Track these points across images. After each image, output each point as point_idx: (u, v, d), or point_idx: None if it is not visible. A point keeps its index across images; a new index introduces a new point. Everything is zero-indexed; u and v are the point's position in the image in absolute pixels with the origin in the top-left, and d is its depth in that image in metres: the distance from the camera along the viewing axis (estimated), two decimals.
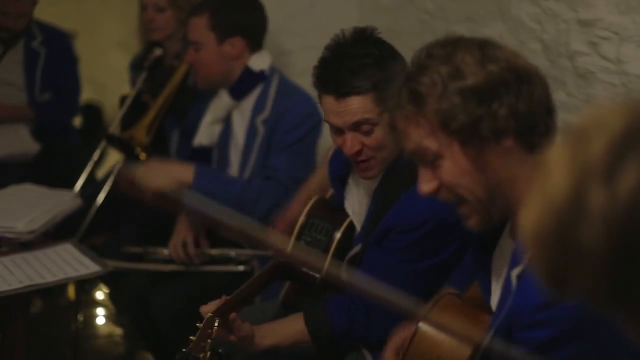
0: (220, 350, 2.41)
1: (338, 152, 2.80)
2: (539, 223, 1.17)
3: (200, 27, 3.65)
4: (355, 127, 2.54)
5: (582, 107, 3.10)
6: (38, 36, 4.78)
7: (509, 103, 1.86)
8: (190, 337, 2.41)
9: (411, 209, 2.49)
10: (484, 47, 1.92)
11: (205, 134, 3.84)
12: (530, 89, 1.89)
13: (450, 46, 1.93)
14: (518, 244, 1.91)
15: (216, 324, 2.44)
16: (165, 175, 3.47)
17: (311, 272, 2.78)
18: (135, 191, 3.31)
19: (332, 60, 2.55)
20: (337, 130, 2.59)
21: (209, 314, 2.46)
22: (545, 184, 1.17)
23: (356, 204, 2.83)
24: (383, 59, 2.53)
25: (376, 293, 2.05)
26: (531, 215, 1.18)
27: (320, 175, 3.31)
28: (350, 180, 2.86)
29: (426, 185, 1.96)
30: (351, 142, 2.55)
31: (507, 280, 1.92)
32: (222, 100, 3.80)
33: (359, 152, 2.57)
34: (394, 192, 2.58)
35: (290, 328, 2.70)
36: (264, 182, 3.61)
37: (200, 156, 3.84)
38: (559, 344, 1.81)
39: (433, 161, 1.93)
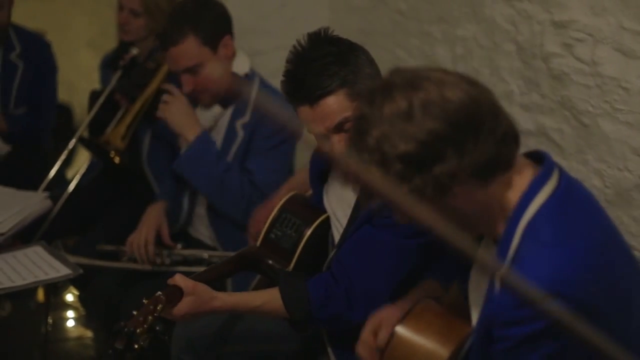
0: (157, 328, 2.40)
1: (317, 153, 2.82)
2: None
3: (191, 50, 3.53)
4: (338, 128, 2.54)
5: (556, 109, 3.10)
6: (17, 47, 4.65)
7: (452, 162, 1.80)
8: (134, 312, 2.43)
9: None
10: (410, 94, 1.82)
11: None
12: (475, 135, 1.81)
13: (379, 100, 1.85)
14: (500, 247, 1.92)
15: (162, 303, 2.45)
16: (180, 116, 3.61)
17: (277, 267, 2.79)
18: None
19: (295, 70, 2.56)
20: (323, 137, 2.58)
21: (158, 292, 2.48)
22: None
23: (336, 201, 2.83)
24: (343, 54, 2.55)
25: None
26: None
27: (304, 173, 3.29)
28: (332, 178, 2.86)
29: (399, 219, 1.95)
30: (339, 144, 2.54)
31: (491, 282, 1.92)
32: (212, 110, 3.74)
33: None
34: None
35: (258, 294, 2.70)
36: (244, 180, 3.60)
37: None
38: (538, 341, 1.82)
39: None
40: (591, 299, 1.81)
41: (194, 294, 2.54)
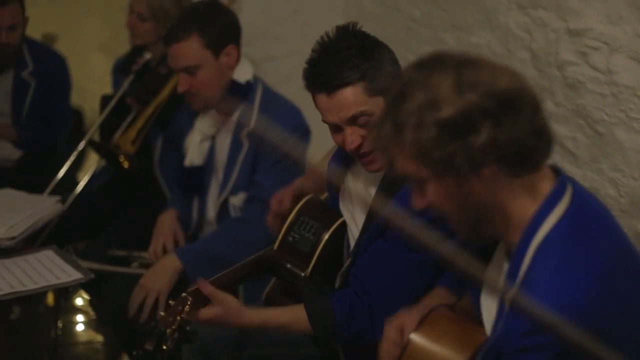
0: (187, 328, 2.41)
1: (336, 155, 2.84)
2: None
3: (193, 49, 3.52)
4: (352, 121, 2.56)
5: (571, 117, 3.09)
6: (30, 64, 4.63)
7: (487, 135, 1.80)
8: (161, 313, 2.45)
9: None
10: (462, 69, 1.84)
11: (197, 154, 3.77)
12: (514, 114, 1.82)
13: (429, 68, 1.87)
14: (512, 265, 1.91)
15: (189, 303, 2.44)
16: (160, 278, 3.47)
17: (295, 270, 2.79)
18: None
19: (319, 58, 2.59)
20: (336, 128, 2.60)
21: (184, 293, 2.49)
22: None
23: (352, 206, 2.82)
24: (368, 49, 2.57)
25: None
26: None
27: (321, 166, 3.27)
28: (348, 181, 2.85)
29: (417, 202, 1.96)
30: (351, 137, 2.56)
31: (501, 303, 1.91)
32: (212, 117, 3.73)
33: (360, 146, 2.58)
34: (397, 182, 2.55)
35: (284, 311, 2.68)
36: (249, 209, 3.59)
37: (194, 176, 3.80)
38: None
39: (419, 183, 1.92)
40: (601, 324, 1.79)
41: (223, 305, 2.53)
